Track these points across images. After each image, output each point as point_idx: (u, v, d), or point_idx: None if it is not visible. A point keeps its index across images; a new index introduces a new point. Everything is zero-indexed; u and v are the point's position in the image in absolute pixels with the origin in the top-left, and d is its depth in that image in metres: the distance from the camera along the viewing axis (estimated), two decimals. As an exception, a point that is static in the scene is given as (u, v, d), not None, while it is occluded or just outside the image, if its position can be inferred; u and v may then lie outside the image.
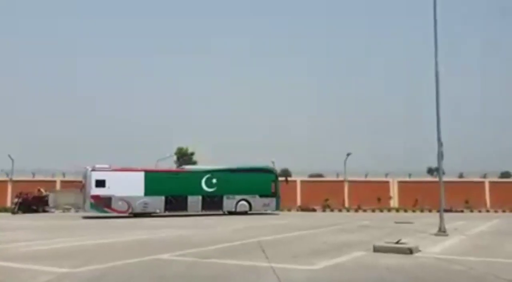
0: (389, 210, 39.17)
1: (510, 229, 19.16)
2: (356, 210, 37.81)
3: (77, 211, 37.38)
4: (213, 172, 30.71)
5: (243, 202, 30.82)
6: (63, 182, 43.72)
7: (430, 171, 57.70)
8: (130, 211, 28.54)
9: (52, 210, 37.04)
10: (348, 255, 10.26)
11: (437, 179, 17.32)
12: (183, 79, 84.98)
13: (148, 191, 28.81)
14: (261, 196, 31.24)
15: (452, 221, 20.75)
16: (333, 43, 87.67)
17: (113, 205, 28.33)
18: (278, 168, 36.72)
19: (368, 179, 43.42)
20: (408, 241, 11.41)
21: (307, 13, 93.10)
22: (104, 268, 8.54)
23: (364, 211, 37.79)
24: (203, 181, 30.23)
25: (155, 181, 29.17)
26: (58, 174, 45.02)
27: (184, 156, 59.62)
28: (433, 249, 11.21)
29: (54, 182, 43.48)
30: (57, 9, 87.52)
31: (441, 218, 15.54)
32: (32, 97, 75.90)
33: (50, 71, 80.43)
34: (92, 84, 79.13)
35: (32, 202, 35.46)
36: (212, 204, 30.14)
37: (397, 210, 38.69)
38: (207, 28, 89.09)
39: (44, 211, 35.74)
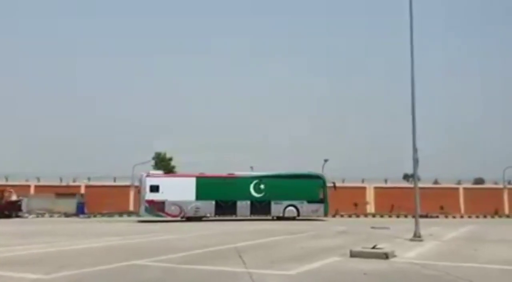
0: (366, 215, 39.51)
1: (484, 234, 19.48)
2: (334, 215, 38.01)
3: (51, 216, 36.79)
4: (261, 178, 31.39)
5: (291, 208, 31.19)
6: (37, 187, 43.00)
7: (406, 177, 58.47)
8: (182, 215, 29.83)
9: (26, 215, 36.35)
10: (325, 260, 10.29)
11: (412, 185, 17.52)
12: (183, 79, 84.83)
13: (200, 196, 29.99)
14: (309, 201, 31.45)
15: (427, 226, 20.99)
16: (333, 43, 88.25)
17: (167, 209, 29.63)
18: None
19: (345, 184, 43.76)
20: (384, 246, 11.49)
21: (307, 13, 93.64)
22: (78, 274, 8.38)
23: (341, 216, 38.04)
24: (251, 186, 30.93)
25: (206, 186, 30.31)
26: (32, 178, 44.28)
27: (162, 161, 59.16)
28: (409, 254, 11.31)
29: (28, 186, 42.74)
30: (57, 9, 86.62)
31: (416, 223, 15.73)
32: (28, 97, 75.31)
33: (49, 71, 79.95)
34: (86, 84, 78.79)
35: (4, 207, 34.76)
36: (260, 209, 30.84)
37: (374, 216, 39.07)
38: (207, 28, 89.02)
39: (17, 216, 35.06)
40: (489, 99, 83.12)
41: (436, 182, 50.41)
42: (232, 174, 31.64)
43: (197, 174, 31.19)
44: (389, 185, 45.23)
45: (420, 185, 17.82)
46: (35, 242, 15.02)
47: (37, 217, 36.20)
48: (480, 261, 10.32)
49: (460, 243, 15.12)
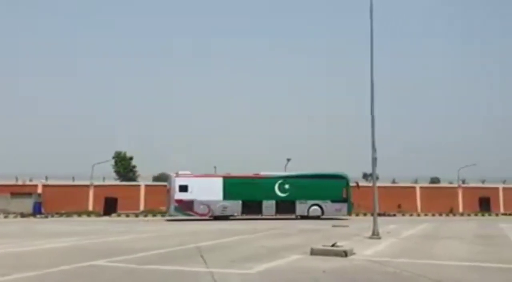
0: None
1: (439, 232, 20.09)
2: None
3: (6, 216, 35.68)
4: (285, 178, 31.96)
5: (315, 207, 31.64)
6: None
7: (365, 176, 59.69)
8: (210, 214, 30.30)
9: (-21, 215, 35.13)
10: (286, 258, 10.42)
11: (371, 184, 17.91)
12: (181, 80, 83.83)
13: (227, 195, 30.53)
14: (333, 201, 31.88)
15: (385, 224, 21.52)
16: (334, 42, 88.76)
17: (195, 208, 30.14)
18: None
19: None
20: (344, 244, 11.72)
21: (308, 12, 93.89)
22: (36, 276, 8.18)
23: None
24: (276, 186, 31.37)
25: (233, 186, 30.74)
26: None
27: (122, 160, 58.33)
28: (367, 252, 11.57)
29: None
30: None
31: (374, 222, 16.07)
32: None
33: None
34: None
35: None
36: (285, 208, 31.29)
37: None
38: (207, 28, 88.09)
39: (-30, 217, 33.82)
40: (447, 102, 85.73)
41: (394, 181, 51.69)
42: (258, 174, 32.14)
43: (224, 174, 31.94)
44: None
45: (378, 184, 18.20)
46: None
47: (-9, 217, 35.01)
48: (435, 258, 10.67)
49: (417, 241, 15.57)
